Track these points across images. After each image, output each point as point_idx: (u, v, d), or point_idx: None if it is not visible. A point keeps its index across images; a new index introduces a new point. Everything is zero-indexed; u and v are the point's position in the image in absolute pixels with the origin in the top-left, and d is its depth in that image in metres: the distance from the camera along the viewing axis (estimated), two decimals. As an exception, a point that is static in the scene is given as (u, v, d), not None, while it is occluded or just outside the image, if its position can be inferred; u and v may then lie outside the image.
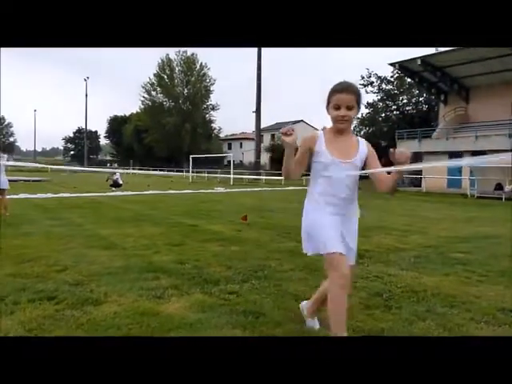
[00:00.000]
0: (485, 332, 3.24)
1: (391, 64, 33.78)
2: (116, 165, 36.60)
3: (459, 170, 27.30)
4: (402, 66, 33.26)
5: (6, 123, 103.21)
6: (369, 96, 56.31)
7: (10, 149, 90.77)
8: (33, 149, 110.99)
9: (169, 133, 65.56)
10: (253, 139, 52.82)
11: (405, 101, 52.07)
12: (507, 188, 21.38)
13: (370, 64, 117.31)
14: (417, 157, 32.36)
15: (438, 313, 3.64)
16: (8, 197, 9.82)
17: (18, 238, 6.74)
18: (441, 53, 29.38)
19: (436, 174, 27.37)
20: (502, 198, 20.46)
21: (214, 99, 72.54)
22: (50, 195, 15.75)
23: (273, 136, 68.50)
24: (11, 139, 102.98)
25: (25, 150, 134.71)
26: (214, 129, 74.83)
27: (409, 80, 43.12)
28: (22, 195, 14.92)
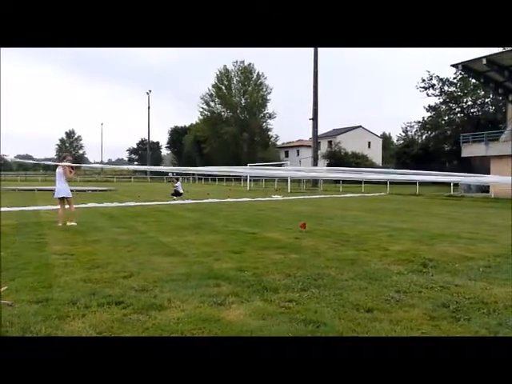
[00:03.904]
0: None
1: (454, 65, 32.37)
2: (174, 174, 37.29)
3: (532, 174, 25.59)
4: (466, 67, 31.71)
5: (75, 136, 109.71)
6: (430, 99, 54.48)
7: (80, 160, 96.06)
8: (100, 160, 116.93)
9: (227, 142, 66.82)
10: (310, 146, 52.53)
11: (469, 103, 49.84)
12: None
13: (426, 66, 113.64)
14: (484, 161, 30.76)
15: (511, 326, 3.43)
16: (77, 206, 10.29)
17: (88, 245, 7.12)
18: (508, 51, 27.79)
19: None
20: None
21: (270, 108, 73.08)
22: (116, 204, 16.50)
23: (330, 143, 67.82)
24: (81, 151, 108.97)
25: (93, 162, 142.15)
26: (271, 137, 75.37)
27: (473, 81, 41.20)
28: (90, 204, 15.74)
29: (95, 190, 28.32)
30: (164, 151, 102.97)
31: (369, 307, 3.89)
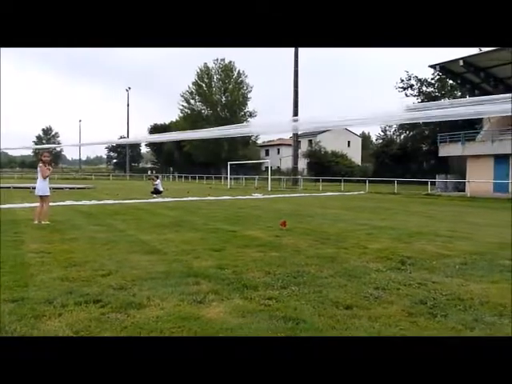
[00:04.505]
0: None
1: (432, 66, 32.91)
2: (153, 172, 36.99)
3: (506, 174, 26.20)
4: (444, 68, 32.30)
5: (53, 133, 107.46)
6: (409, 99, 55.24)
7: (57, 158, 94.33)
8: (78, 157, 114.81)
9: (207, 140, 66.33)
10: (290, 145, 52.72)
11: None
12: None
13: (407, 67, 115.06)
14: (460, 161, 31.35)
15: (487, 322, 3.50)
16: (54, 204, 10.11)
17: (65, 243, 6.99)
18: (484, 53, 28.38)
19: (482, 178, 26.38)
20: (553, 203, 19.43)
21: (251, 106, 72.66)
22: (94, 202, 16.25)
23: (310, 142, 68.15)
24: (58, 149, 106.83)
25: (70, 159, 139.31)
26: (252, 135, 75.17)
27: (450, 82, 41.95)
28: (68, 202, 15.46)
29: (73, 188, 27.83)
30: (143, 149, 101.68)
31: (348, 304, 3.92)
